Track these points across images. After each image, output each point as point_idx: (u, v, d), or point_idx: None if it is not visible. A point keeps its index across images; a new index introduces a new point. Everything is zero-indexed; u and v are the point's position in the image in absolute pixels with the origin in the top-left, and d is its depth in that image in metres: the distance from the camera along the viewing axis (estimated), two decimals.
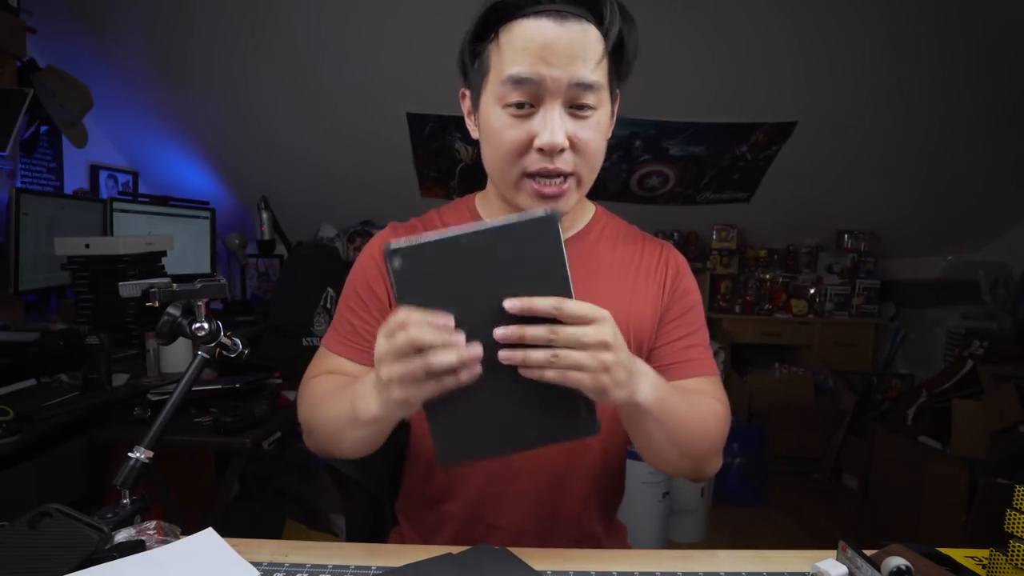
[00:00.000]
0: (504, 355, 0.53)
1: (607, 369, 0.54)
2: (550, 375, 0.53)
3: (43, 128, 2.21)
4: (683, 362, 0.80)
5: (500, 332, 0.53)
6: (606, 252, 0.82)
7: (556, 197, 0.71)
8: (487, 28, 0.69)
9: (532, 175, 0.70)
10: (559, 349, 0.52)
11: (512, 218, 0.52)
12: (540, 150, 0.68)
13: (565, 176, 0.70)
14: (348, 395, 0.64)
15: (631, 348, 0.78)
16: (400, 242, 0.50)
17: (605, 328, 0.54)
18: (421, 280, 0.52)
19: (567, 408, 0.56)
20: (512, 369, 0.54)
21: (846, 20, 2.15)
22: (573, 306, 0.52)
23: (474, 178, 2.89)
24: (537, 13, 0.66)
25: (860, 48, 2.25)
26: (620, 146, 2.69)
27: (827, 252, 3.33)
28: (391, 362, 0.53)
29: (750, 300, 3.28)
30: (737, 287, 3.30)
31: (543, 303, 0.52)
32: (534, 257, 0.52)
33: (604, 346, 0.53)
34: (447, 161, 2.84)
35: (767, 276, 3.30)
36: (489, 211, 0.83)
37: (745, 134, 2.69)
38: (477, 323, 0.53)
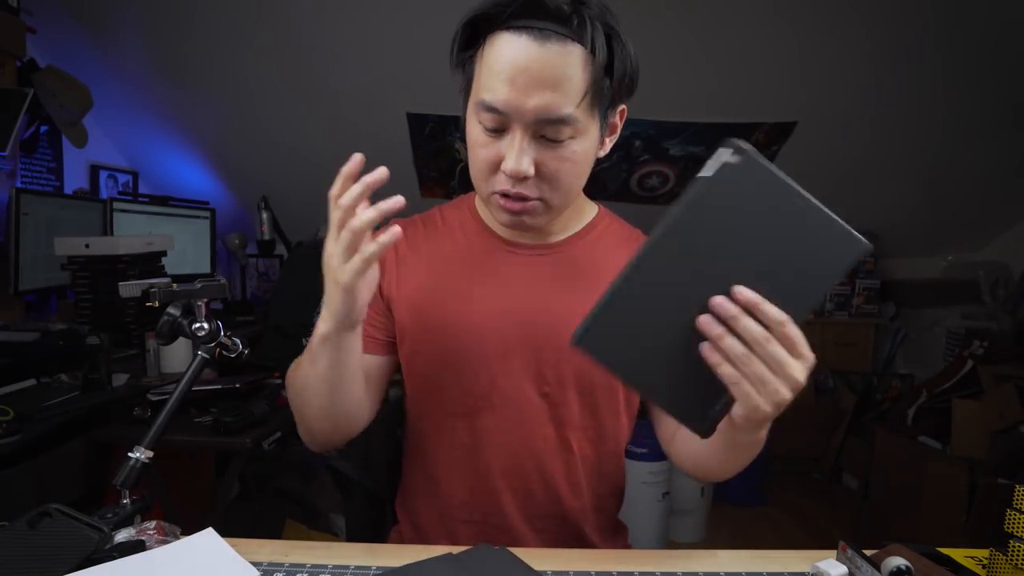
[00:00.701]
0: (705, 320, 0.51)
1: (777, 404, 0.53)
2: (727, 371, 0.51)
3: (43, 128, 2.21)
4: None
5: (721, 302, 0.50)
6: (605, 254, 0.82)
7: (521, 212, 0.71)
8: (473, 38, 0.68)
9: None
10: (756, 358, 0.51)
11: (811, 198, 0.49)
12: (506, 173, 0.68)
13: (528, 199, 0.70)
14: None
15: None
16: (746, 146, 0.46)
17: (802, 369, 0.52)
18: (730, 197, 0.49)
19: (705, 397, 0.54)
20: (693, 330, 0.52)
21: (846, 20, 2.14)
22: (795, 333, 0.51)
23: None
24: (518, 28, 0.63)
25: (860, 48, 2.25)
26: (620, 146, 2.69)
27: None
28: (332, 247, 0.59)
29: None
30: None
31: (773, 313, 0.50)
32: (807, 255, 0.51)
33: (793, 383, 0.52)
34: (447, 161, 2.84)
35: None
36: (487, 211, 0.83)
37: (745, 134, 2.68)
38: (712, 273, 0.50)
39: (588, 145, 0.70)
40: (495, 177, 0.70)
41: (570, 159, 0.68)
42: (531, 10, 0.63)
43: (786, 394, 0.52)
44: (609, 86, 0.68)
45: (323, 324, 0.64)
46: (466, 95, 0.72)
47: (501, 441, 0.78)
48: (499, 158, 0.68)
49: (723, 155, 0.46)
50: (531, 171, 0.67)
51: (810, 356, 0.52)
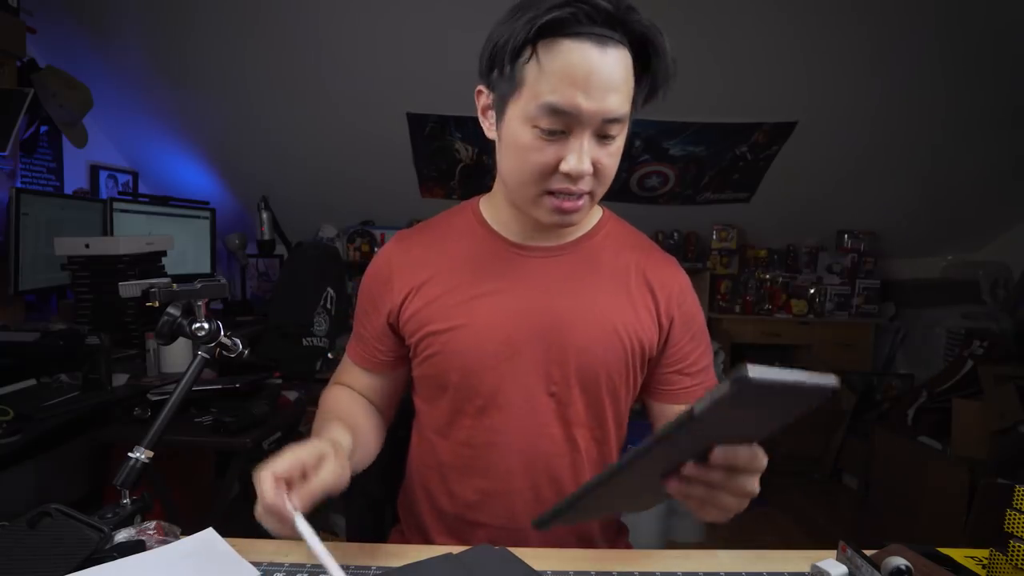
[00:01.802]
0: (675, 487, 0.54)
1: (734, 513, 0.59)
2: (692, 505, 0.57)
3: (43, 128, 2.21)
4: (692, 386, 0.85)
5: (697, 474, 0.53)
6: (609, 257, 0.83)
7: (573, 212, 0.73)
8: (530, 42, 0.67)
9: (552, 192, 0.71)
10: (723, 491, 0.55)
11: (803, 376, 0.44)
12: (567, 174, 0.69)
13: (582, 195, 0.72)
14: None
15: (633, 355, 0.80)
16: (759, 373, 0.43)
17: (757, 480, 0.57)
18: (737, 408, 0.47)
19: (659, 493, 0.58)
20: (659, 468, 0.55)
21: (847, 21, 2.15)
22: (759, 462, 0.55)
23: (474, 178, 2.89)
24: (579, 35, 0.65)
25: (861, 48, 2.25)
26: None
27: (827, 252, 3.33)
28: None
29: (750, 300, 3.27)
30: (737, 287, 3.30)
31: (744, 459, 0.53)
32: (788, 409, 0.50)
33: (750, 496, 0.57)
34: (447, 161, 2.84)
35: (767, 276, 3.30)
36: (495, 215, 0.83)
37: (745, 134, 2.69)
38: (689, 449, 0.53)
39: (623, 143, 0.73)
40: (551, 178, 0.71)
41: (615, 154, 0.72)
42: (589, 17, 0.65)
43: (743, 506, 0.58)
44: (647, 88, 0.71)
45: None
46: (504, 96, 0.71)
47: (509, 441, 0.79)
48: (557, 160, 0.69)
49: (722, 388, 0.44)
50: (591, 169, 0.69)
51: (764, 462, 0.55)
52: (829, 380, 0.44)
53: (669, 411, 0.85)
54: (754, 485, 0.56)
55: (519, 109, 0.69)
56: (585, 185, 0.71)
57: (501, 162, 0.75)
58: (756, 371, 0.43)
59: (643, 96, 0.72)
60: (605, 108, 0.66)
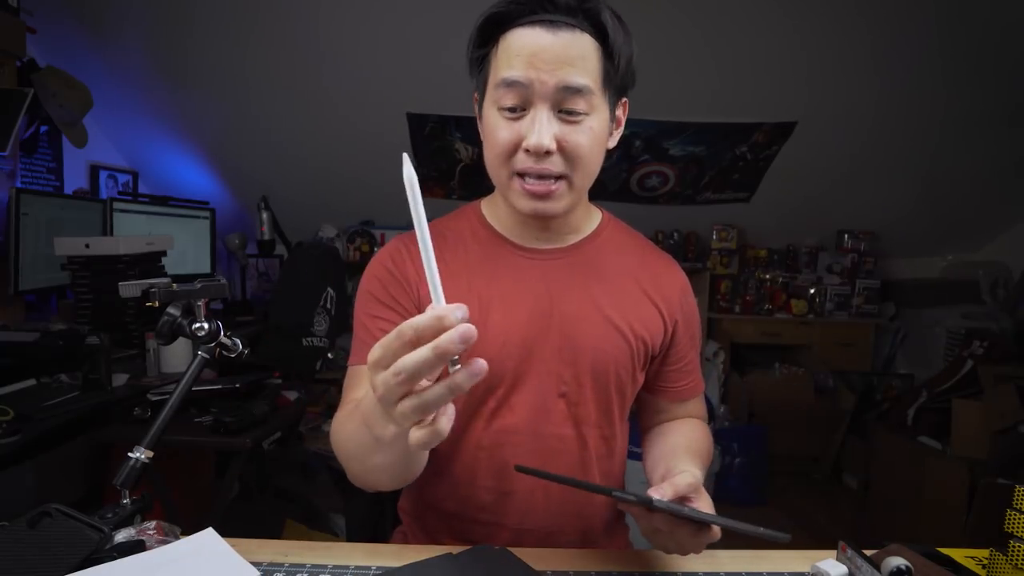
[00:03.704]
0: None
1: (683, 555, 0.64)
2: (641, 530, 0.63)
3: (43, 128, 2.21)
4: (687, 385, 0.88)
5: (640, 514, 0.60)
6: (610, 260, 0.83)
7: (545, 196, 0.72)
8: (488, 37, 0.72)
9: (521, 174, 0.72)
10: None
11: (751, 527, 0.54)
12: (527, 151, 0.70)
13: (555, 178, 0.72)
14: (361, 417, 0.58)
15: (637, 355, 0.81)
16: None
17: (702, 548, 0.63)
18: None
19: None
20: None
21: (847, 20, 2.14)
22: (703, 546, 0.62)
23: (474, 178, 2.89)
24: (531, 23, 0.68)
25: (861, 48, 2.25)
26: (620, 146, 2.68)
27: (827, 252, 3.34)
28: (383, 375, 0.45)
29: (750, 300, 3.27)
30: (737, 287, 3.30)
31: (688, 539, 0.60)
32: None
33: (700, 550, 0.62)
34: (447, 161, 2.84)
35: (767, 276, 3.30)
36: (496, 217, 0.83)
37: (745, 134, 2.69)
38: None
39: (602, 125, 0.73)
40: (515, 157, 0.71)
41: (587, 134, 0.71)
42: (541, 7, 0.68)
43: (686, 554, 0.63)
44: (615, 72, 0.72)
45: (391, 429, 0.51)
46: (481, 95, 0.75)
47: (521, 442, 0.79)
48: (519, 137, 0.70)
49: (686, 511, 0.57)
50: (553, 145, 0.69)
51: (706, 545, 0.61)
52: (783, 536, 0.52)
53: (665, 406, 0.89)
54: (698, 548, 0.61)
55: (488, 97, 0.73)
56: (553, 166, 0.71)
57: (484, 158, 0.77)
58: (659, 501, 0.54)
59: (615, 83, 0.73)
60: (558, 78, 0.67)
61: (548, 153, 0.69)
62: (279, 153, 2.80)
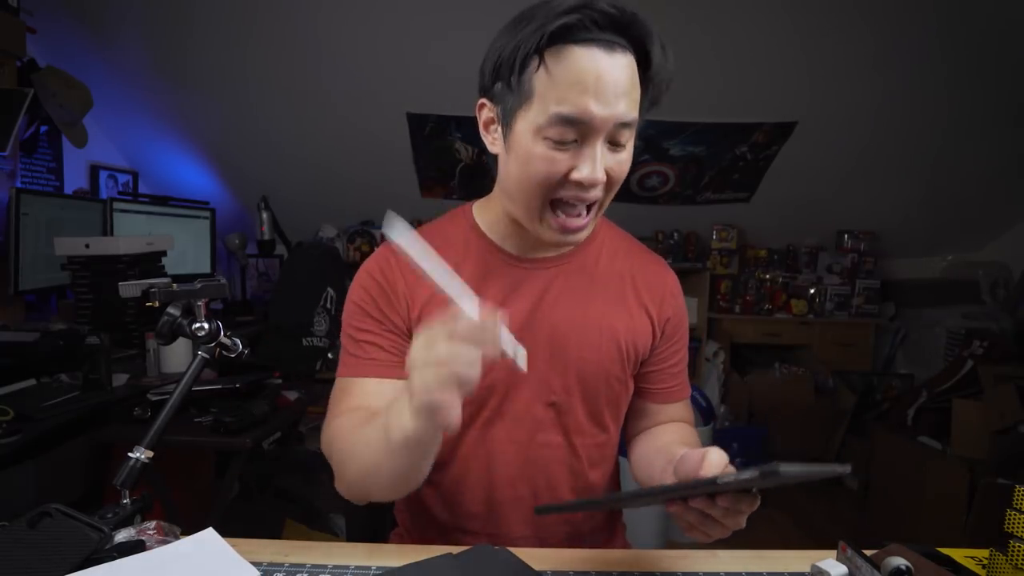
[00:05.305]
0: (677, 511, 0.60)
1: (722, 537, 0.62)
2: (683, 524, 0.61)
3: (43, 128, 2.21)
4: (674, 387, 0.87)
5: (699, 504, 0.58)
6: (604, 265, 0.83)
7: (578, 231, 0.72)
8: (537, 50, 0.66)
9: (558, 204, 0.70)
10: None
11: (822, 468, 0.52)
12: (579, 183, 0.68)
13: (589, 207, 0.71)
14: (381, 420, 0.62)
15: (628, 361, 0.81)
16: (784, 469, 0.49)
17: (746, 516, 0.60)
18: None
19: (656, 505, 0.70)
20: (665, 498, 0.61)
21: (848, 20, 2.14)
22: (755, 506, 0.58)
23: (474, 178, 2.89)
24: (588, 41, 0.64)
25: (862, 47, 2.25)
26: None
27: (827, 252, 3.33)
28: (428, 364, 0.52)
29: (750, 300, 3.27)
30: (737, 287, 3.30)
31: (747, 507, 0.57)
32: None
33: (740, 525, 0.59)
34: (447, 161, 2.83)
35: (767, 276, 3.30)
36: (489, 223, 0.82)
37: (745, 134, 2.69)
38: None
39: (631, 147, 0.72)
40: (559, 188, 0.69)
41: (626, 161, 0.71)
42: (596, 23, 0.64)
43: (727, 535, 0.60)
44: (646, 96, 0.70)
45: (410, 423, 0.56)
46: (511, 109, 0.69)
47: (510, 451, 0.79)
48: (568, 169, 0.68)
49: (749, 473, 0.51)
50: (605, 178, 0.68)
51: (757, 504, 0.58)
52: (844, 469, 0.51)
53: (652, 409, 0.88)
54: (743, 522, 0.59)
55: (528, 121, 0.67)
56: (596, 194, 0.69)
57: (507, 175, 0.73)
58: (786, 467, 0.48)
59: (647, 102, 0.71)
60: (617, 113, 0.65)
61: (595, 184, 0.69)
62: (279, 153, 2.80)
